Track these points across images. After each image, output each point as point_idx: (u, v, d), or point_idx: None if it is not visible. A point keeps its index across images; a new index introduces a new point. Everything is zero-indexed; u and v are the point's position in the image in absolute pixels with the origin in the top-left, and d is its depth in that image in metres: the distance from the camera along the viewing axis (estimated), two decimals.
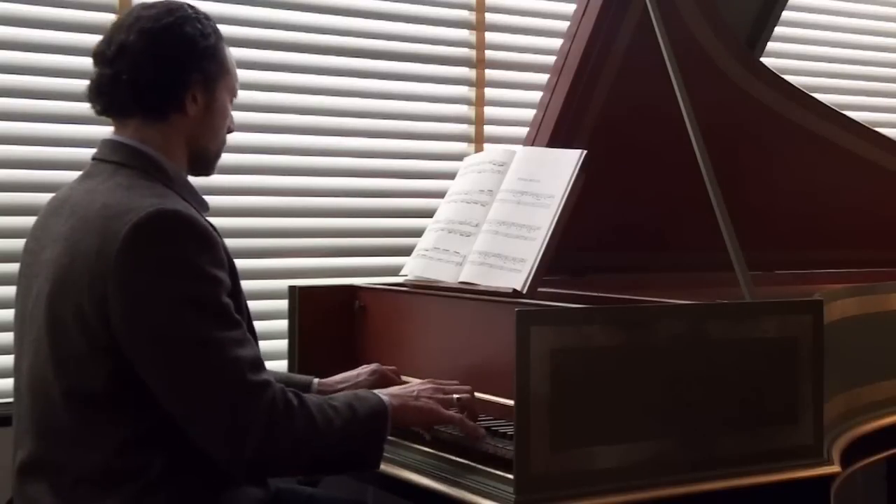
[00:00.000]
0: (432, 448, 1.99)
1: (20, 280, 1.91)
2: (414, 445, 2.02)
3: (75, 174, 1.95)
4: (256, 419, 1.69)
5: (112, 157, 1.87)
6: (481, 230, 2.27)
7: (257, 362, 1.74)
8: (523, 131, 2.75)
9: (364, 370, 2.23)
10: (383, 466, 1.97)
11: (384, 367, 2.24)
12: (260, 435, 1.69)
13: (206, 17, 1.94)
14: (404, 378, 2.24)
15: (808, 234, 2.91)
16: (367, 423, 1.82)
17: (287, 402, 1.73)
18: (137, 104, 1.87)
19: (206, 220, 1.82)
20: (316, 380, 2.20)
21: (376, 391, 1.91)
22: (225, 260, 1.78)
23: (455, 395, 1.98)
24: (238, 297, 1.82)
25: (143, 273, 1.69)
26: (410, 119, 3.31)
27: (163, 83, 1.86)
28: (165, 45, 1.86)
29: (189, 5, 1.93)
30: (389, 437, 1.89)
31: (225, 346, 1.70)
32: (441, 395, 1.97)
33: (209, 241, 1.76)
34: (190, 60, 1.87)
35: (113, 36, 1.88)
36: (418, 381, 2.05)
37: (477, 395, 2.04)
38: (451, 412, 1.95)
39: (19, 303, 1.91)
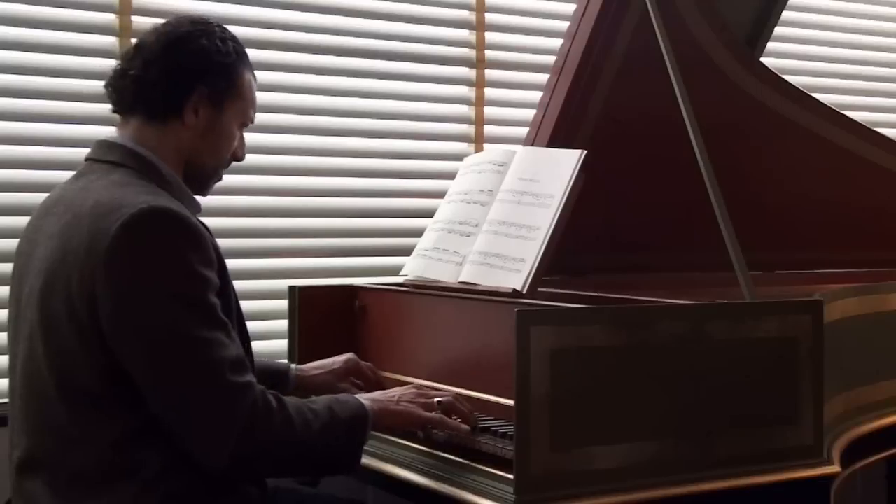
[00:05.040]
0: (433, 448, 1.99)
1: (13, 281, 1.91)
2: (414, 445, 2.02)
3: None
4: (236, 420, 1.70)
5: (107, 156, 1.87)
6: (481, 230, 2.27)
7: (240, 363, 1.74)
8: (523, 131, 2.75)
9: (339, 358, 2.25)
10: (384, 466, 1.97)
11: (359, 359, 2.27)
12: (238, 437, 1.70)
13: (234, 39, 1.96)
14: (403, 378, 2.24)
15: (808, 234, 2.91)
16: (347, 426, 1.82)
17: (267, 404, 1.73)
18: (138, 101, 1.88)
19: (198, 220, 1.82)
20: (293, 366, 2.22)
21: (357, 395, 1.92)
22: (214, 259, 1.79)
23: (436, 399, 1.98)
24: (228, 297, 1.82)
25: (132, 269, 1.70)
26: (410, 119, 3.31)
27: (165, 86, 1.88)
28: (177, 51, 1.88)
29: (219, 25, 1.95)
30: (390, 438, 1.88)
31: (209, 345, 1.71)
32: (422, 400, 1.96)
33: (199, 240, 1.76)
34: (198, 71, 1.89)
35: (140, 40, 1.93)
36: (399, 388, 2.04)
37: (477, 395, 2.04)
38: (431, 414, 1.94)
39: (13, 304, 1.90)
